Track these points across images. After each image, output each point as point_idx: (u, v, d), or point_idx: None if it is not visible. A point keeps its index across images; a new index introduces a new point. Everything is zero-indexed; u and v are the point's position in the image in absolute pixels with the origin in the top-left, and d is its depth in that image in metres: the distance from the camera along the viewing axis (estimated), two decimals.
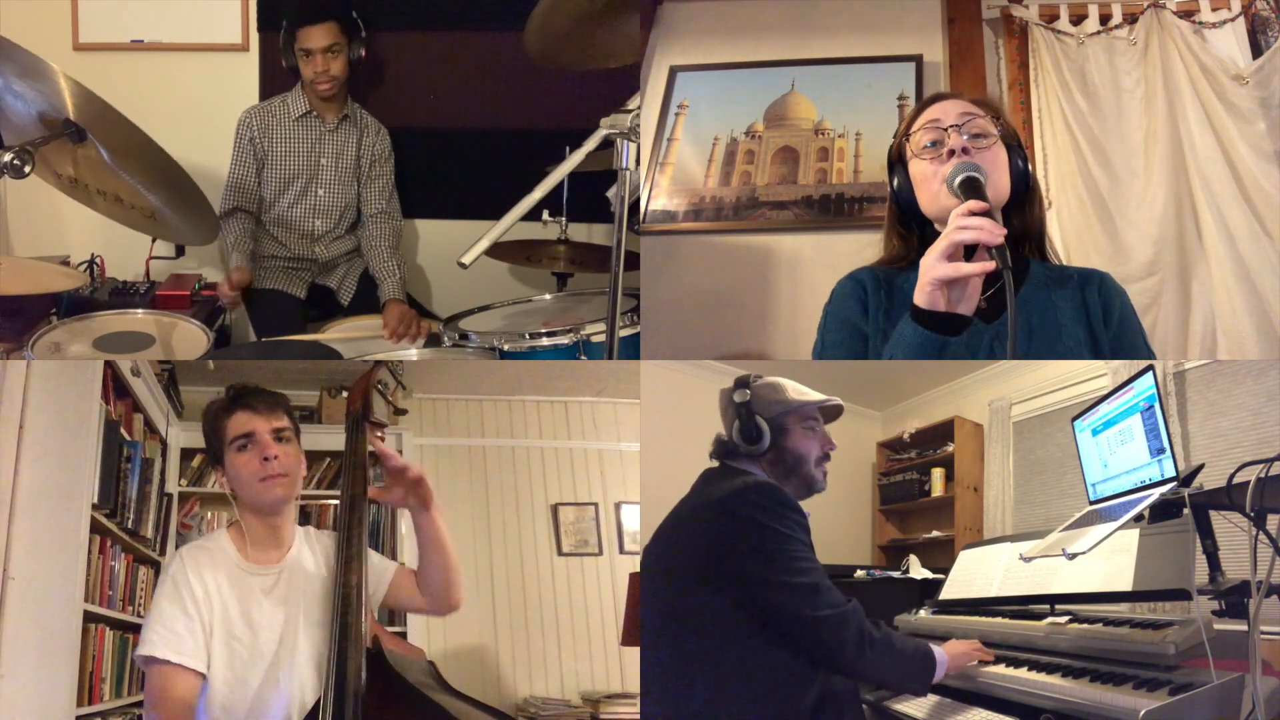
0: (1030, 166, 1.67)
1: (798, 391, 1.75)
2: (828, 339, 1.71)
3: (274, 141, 3.34)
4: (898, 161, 1.71)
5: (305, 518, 3.33)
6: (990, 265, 1.37)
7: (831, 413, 1.79)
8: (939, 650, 1.71)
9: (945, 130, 1.62)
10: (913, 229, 1.73)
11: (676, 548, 1.66)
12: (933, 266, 1.40)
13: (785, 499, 1.62)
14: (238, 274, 3.22)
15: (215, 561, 1.65)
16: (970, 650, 1.83)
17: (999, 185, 1.60)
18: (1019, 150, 1.66)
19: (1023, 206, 1.69)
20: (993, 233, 1.37)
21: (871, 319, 1.66)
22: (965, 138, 1.60)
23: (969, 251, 1.42)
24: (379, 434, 1.85)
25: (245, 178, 3.34)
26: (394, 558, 3.35)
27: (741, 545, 1.56)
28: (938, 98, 1.70)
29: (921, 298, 1.42)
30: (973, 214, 1.41)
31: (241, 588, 1.64)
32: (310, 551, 1.74)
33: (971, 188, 1.50)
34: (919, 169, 1.65)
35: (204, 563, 1.64)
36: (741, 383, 1.75)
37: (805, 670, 1.55)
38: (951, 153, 1.59)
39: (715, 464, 1.78)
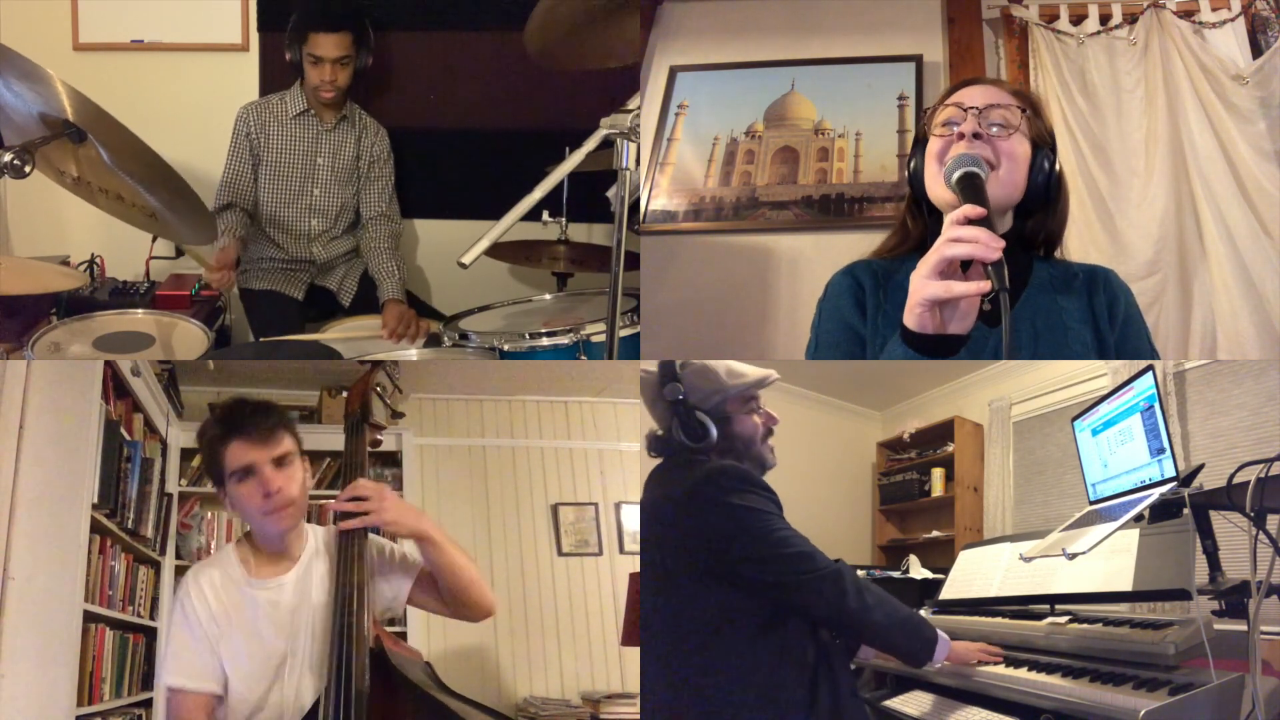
0: (1058, 170, 1.57)
1: (731, 374, 1.66)
2: (823, 339, 1.65)
3: (270, 139, 3.32)
4: (920, 141, 1.63)
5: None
6: (985, 285, 1.24)
7: (763, 385, 1.69)
8: (943, 634, 1.67)
9: (965, 112, 1.53)
10: (923, 212, 1.65)
11: (657, 546, 1.61)
12: (922, 285, 1.28)
13: (750, 476, 1.57)
14: (222, 252, 3.11)
15: (222, 581, 1.66)
16: (977, 648, 1.84)
17: (1008, 180, 1.51)
18: (1047, 152, 1.55)
19: (1044, 211, 1.59)
20: (989, 246, 1.23)
21: (869, 320, 1.60)
22: (993, 127, 1.51)
23: (966, 263, 1.28)
24: (378, 435, 1.86)
25: (241, 174, 3.31)
26: None
27: (722, 531, 1.52)
28: (972, 81, 1.61)
29: (910, 319, 1.31)
30: (969, 220, 1.27)
31: (249, 603, 1.65)
32: (322, 556, 1.72)
33: (970, 186, 1.39)
34: (931, 146, 1.57)
35: (209, 584, 1.65)
36: (668, 374, 1.63)
37: (799, 652, 1.52)
38: (962, 136, 1.50)
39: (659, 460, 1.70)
